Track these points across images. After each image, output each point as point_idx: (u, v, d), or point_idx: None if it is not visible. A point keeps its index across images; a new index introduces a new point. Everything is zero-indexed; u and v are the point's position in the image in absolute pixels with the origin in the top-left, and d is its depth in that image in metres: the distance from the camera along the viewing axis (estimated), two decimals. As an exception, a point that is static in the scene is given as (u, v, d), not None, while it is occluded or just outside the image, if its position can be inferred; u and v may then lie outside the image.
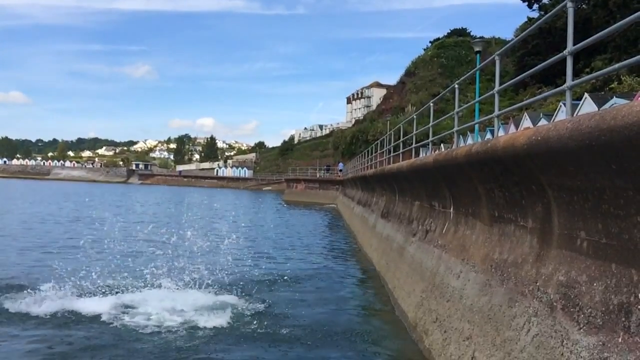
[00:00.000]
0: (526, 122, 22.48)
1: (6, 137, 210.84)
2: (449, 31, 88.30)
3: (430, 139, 11.32)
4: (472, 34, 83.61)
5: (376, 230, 17.54)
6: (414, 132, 13.22)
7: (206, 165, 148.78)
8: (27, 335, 8.04)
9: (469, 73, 9.16)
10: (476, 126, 16.27)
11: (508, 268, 5.65)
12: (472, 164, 6.51)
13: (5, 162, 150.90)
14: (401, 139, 15.37)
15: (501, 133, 9.09)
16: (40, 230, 22.32)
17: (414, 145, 13.23)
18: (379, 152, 22.37)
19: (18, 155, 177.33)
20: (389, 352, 7.82)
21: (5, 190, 64.76)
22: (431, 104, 11.45)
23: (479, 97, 10.93)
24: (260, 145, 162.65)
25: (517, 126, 22.97)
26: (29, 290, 10.13)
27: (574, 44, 4.80)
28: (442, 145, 25.22)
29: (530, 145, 4.59)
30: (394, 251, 12.81)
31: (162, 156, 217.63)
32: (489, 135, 23.39)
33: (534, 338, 4.63)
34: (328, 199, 53.30)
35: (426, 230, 9.94)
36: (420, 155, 12.99)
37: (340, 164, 64.33)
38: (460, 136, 23.88)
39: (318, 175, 64.15)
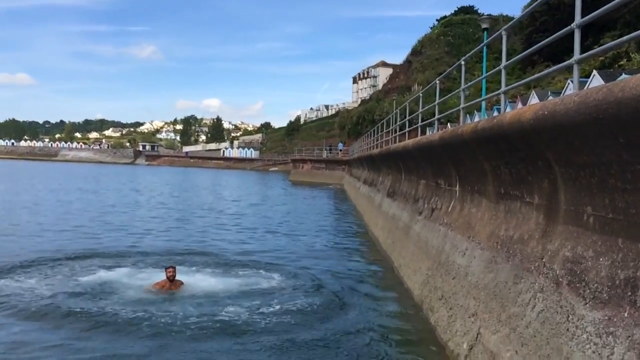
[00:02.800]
0: (534, 100, 22.26)
1: (13, 119, 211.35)
2: (457, 9, 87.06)
3: (437, 116, 11.23)
4: (479, 11, 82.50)
5: (382, 209, 17.54)
6: (420, 110, 13.12)
7: (212, 146, 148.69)
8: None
9: (475, 49, 9.05)
10: (483, 104, 16.14)
11: (514, 245, 5.64)
12: (478, 141, 6.46)
13: (13, 143, 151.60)
14: (407, 118, 15.24)
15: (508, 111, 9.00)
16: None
17: (419, 123, 13.14)
18: (384, 131, 22.26)
19: (25, 137, 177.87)
20: (395, 330, 7.85)
21: (25, 171, 65.13)
22: (437, 82, 11.34)
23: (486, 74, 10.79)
24: (266, 126, 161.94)
25: (524, 104, 22.77)
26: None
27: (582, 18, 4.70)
28: (448, 124, 25.04)
29: (536, 120, 4.53)
30: (399, 230, 12.81)
31: (169, 137, 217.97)
32: (496, 114, 23.19)
33: (539, 314, 4.62)
34: (334, 179, 53.29)
35: (432, 209, 9.92)
36: (427, 134, 12.89)
37: (340, 144, 64.89)
38: (467, 115, 23.70)
39: (324, 156, 64.05)
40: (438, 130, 11.53)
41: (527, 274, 5.10)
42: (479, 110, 24.17)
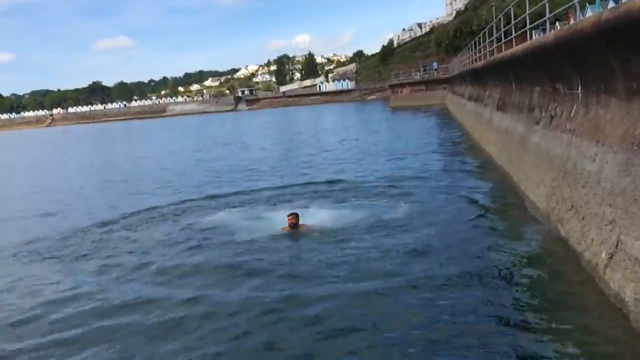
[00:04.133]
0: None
1: (122, 82, 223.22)
2: None
3: (548, 15, 10.33)
4: None
5: (492, 124, 16.82)
6: (527, 11, 12.12)
7: (308, 82, 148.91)
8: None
9: None
10: (598, -5, 14.63)
11: (653, 143, 5.17)
12: (602, 34, 5.87)
13: (125, 105, 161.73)
14: (512, 22, 14.16)
15: None
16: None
17: (528, 26, 12.16)
18: (487, 41, 20.98)
19: (135, 97, 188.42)
20: (526, 245, 7.59)
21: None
22: (545, -24, 10.33)
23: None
24: (359, 55, 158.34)
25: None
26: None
27: None
28: (557, 24, 23.06)
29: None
30: (515, 143, 12.25)
31: (265, 79, 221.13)
32: (612, 4, 20.93)
33: (691, 214, 4.25)
34: (436, 100, 51.72)
35: (551, 116, 9.32)
36: (536, 38, 11.93)
37: (435, 63, 62.47)
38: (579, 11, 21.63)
39: (422, 77, 62.10)
40: (548, 32, 10.64)
41: (673, 173, 4.67)
42: (591, 2, 21.96)
